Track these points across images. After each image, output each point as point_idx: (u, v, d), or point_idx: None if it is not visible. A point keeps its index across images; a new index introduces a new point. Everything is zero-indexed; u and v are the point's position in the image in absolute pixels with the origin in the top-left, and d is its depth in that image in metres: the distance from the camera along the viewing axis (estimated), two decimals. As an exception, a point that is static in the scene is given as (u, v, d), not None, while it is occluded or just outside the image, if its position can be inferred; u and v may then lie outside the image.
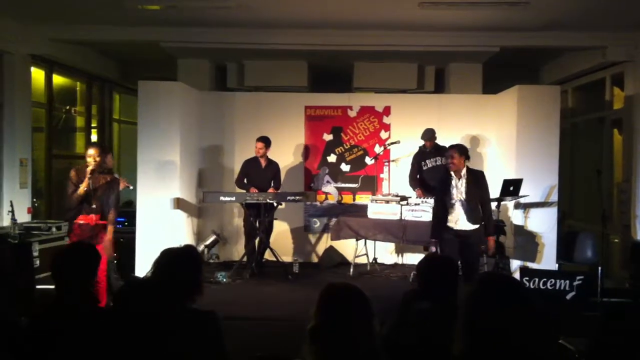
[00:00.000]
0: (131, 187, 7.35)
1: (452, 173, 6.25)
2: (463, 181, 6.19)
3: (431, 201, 7.73)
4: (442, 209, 6.30)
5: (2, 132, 8.29)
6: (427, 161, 8.38)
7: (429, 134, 8.31)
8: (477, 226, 6.19)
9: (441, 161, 8.29)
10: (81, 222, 5.93)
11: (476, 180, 6.23)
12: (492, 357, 1.70)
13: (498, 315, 1.72)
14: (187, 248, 3.01)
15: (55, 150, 9.57)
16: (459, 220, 6.19)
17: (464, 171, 6.21)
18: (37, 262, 7.10)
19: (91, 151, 5.93)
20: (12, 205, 7.41)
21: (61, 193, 7.68)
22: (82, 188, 5.82)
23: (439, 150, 8.30)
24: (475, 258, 6.29)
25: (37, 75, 9.19)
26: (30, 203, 8.66)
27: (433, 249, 6.48)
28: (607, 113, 9.16)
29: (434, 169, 8.27)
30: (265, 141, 8.30)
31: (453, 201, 6.23)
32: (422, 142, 8.45)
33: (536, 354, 1.69)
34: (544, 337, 1.74)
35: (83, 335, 2.68)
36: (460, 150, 6.25)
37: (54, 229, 7.66)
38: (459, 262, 5.94)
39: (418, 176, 8.48)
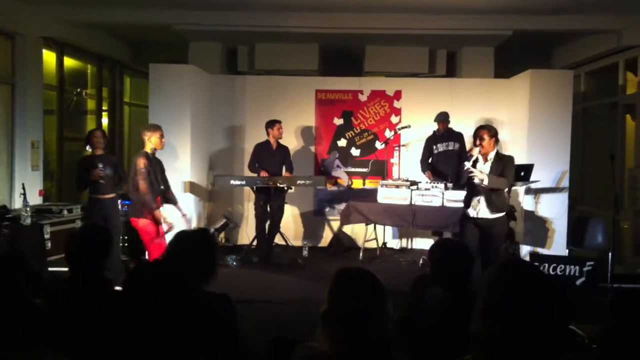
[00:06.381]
0: None
1: (480, 156, 5.85)
2: (489, 165, 5.81)
3: (441, 186, 7.72)
4: (469, 194, 5.98)
5: (13, 115, 8.30)
6: (438, 145, 8.36)
7: (442, 116, 8.31)
8: (498, 215, 5.83)
9: (453, 146, 8.27)
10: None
11: (502, 165, 5.79)
12: (510, 339, 1.71)
13: (519, 299, 1.73)
14: (202, 231, 3.02)
15: (66, 133, 9.58)
16: (479, 207, 5.84)
17: (492, 154, 5.83)
18: (49, 244, 7.15)
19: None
20: (24, 188, 7.41)
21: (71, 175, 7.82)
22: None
23: (452, 135, 8.30)
24: (495, 250, 5.83)
25: (49, 57, 9.17)
26: (41, 185, 8.69)
27: (445, 234, 6.35)
28: (620, 98, 9.07)
29: (445, 153, 8.27)
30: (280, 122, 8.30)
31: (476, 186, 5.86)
32: (434, 127, 8.42)
33: (553, 338, 1.69)
34: (561, 322, 1.74)
35: (96, 317, 2.69)
36: (491, 132, 5.84)
37: (65, 212, 7.69)
38: (480, 252, 5.75)
39: (430, 160, 8.46)
